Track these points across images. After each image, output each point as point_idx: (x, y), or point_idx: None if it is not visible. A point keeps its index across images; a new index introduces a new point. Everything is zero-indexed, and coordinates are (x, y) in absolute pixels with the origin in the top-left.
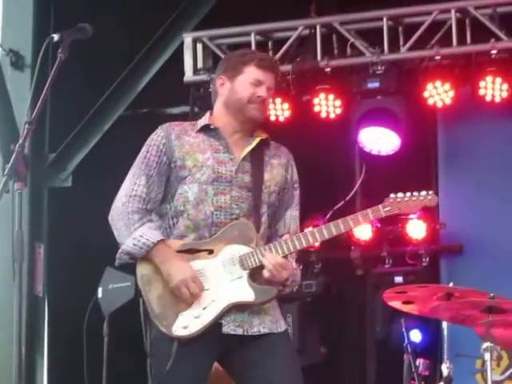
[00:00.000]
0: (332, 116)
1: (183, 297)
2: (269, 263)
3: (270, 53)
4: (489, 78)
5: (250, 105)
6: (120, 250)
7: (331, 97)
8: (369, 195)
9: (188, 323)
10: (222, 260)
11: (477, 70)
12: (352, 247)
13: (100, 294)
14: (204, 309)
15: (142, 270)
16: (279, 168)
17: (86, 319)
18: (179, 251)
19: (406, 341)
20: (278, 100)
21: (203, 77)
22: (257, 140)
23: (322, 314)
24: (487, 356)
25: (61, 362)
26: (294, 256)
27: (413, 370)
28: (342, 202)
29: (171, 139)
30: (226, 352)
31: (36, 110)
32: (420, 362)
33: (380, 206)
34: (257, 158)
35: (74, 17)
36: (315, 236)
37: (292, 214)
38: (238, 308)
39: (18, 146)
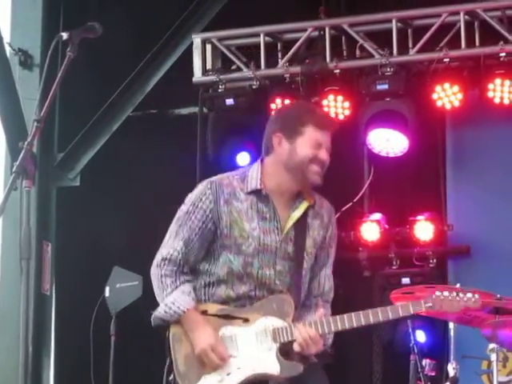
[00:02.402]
0: (341, 117)
1: (206, 365)
2: (299, 336)
3: (279, 54)
4: (497, 81)
5: (311, 166)
6: (153, 316)
7: (340, 98)
8: (377, 197)
9: None
10: (256, 330)
11: (485, 73)
12: (360, 248)
13: (107, 293)
14: (228, 375)
15: (174, 328)
16: (320, 229)
17: (93, 318)
18: (215, 315)
19: (413, 341)
20: (287, 102)
21: (212, 78)
22: (304, 205)
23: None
24: (493, 357)
25: (68, 360)
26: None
27: (419, 370)
28: (350, 204)
29: (220, 204)
30: None
31: (45, 108)
32: (426, 362)
33: (422, 302)
34: (300, 223)
35: (83, 16)
36: (352, 321)
37: (326, 272)
38: (261, 379)
39: (26, 143)
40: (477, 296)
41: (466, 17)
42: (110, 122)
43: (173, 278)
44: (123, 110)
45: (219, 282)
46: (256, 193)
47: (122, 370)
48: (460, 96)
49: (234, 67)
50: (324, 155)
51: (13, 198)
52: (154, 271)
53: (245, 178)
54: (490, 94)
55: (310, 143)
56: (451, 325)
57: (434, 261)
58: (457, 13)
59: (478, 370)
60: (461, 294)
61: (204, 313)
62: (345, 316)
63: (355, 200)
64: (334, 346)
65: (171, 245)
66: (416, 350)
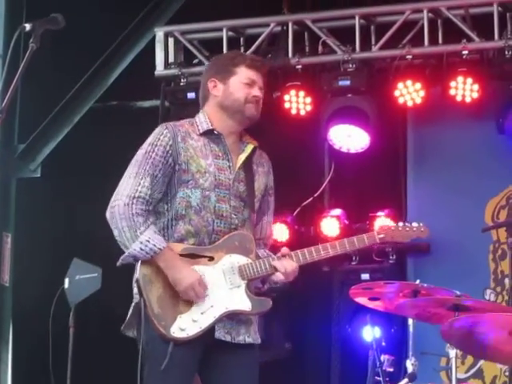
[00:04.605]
0: (302, 113)
1: (191, 300)
2: (282, 266)
3: (242, 49)
4: (460, 79)
5: (247, 104)
6: (126, 253)
7: (302, 94)
8: (337, 193)
9: (186, 326)
10: (222, 268)
11: (448, 71)
12: (319, 244)
13: (66, 285)
14: (202, 313)
15: (144, 269)
16: (263, 176)
17: (52, 309)
18: (181, 255)
19: (372, 337)
20: None
21: (174, 71)
22: (250, 147)
23: (288, 310)
24: (452, 354)
25: (26, 351)
26: None
27: (377, 366)
28: (311, 199)
29: (177, 141)
30: (204, 356)
31: (6, 100)
32: (385, 358)
33: (375, 233)
34: (248, 167)
35: (46, 7)
36: (320, 252)
37: (268, 219)
38: (230, 316)
39: None
40: (422, 225)
41: (430, 14)
42: (71, 114)
43: (144, 217)
44: (85, 101)
45: (177, 218)
46: (208, 134)
47: (81, 362)
48: (422, 93)
49: (196, 61)
50: (257, 92)
51: None
52: (123, 210)
53: (193, 123)
54: (452, 92)
55: (243, 81)
56: (410, 321)
57: (394, 257)
58: (420, 10)
59: (437, 367)
60: (408, 224)
61: None
62: (312, 249)
63: (315, 195)
64: (293, 340)
65: (135, 183)
66: (374, 346)
